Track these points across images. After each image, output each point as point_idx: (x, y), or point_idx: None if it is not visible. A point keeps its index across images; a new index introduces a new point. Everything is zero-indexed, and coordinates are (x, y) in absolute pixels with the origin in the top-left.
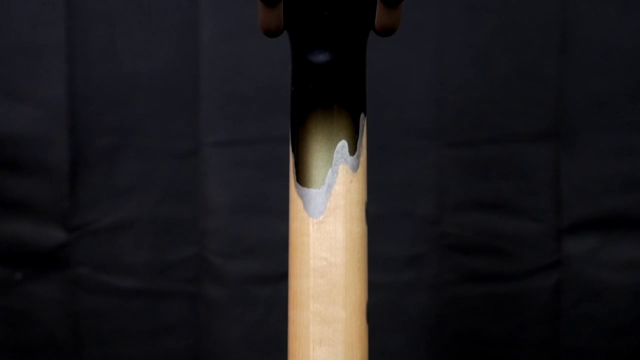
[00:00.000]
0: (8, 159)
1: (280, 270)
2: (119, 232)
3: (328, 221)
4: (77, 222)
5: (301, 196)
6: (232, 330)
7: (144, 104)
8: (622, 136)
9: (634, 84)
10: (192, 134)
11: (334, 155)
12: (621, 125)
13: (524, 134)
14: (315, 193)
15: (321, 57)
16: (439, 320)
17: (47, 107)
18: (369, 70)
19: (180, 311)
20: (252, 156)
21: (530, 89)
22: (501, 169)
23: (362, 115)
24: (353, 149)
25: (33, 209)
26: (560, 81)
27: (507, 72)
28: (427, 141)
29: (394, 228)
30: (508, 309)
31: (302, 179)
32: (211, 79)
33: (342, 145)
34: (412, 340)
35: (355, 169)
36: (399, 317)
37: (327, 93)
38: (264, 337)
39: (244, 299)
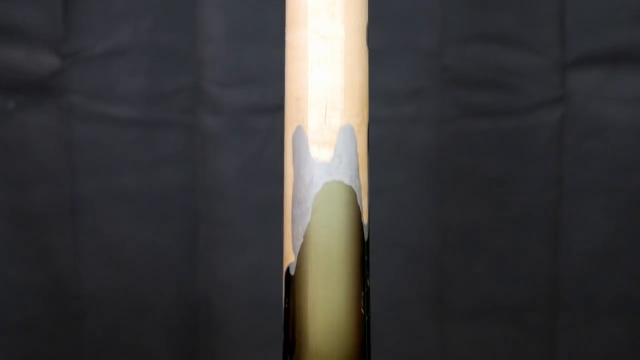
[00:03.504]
0: None
1: (278, 100)
2: (113, 58)
3: None
4: (70, 48)
5: None
6: (229, 162)
7: None
8: None
9: None
10: None
11: None
12: None
13: None
14: None
15: None
16: (440, 156)
17: None
18: None
19: (176, 142)
20: None
21: None
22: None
23: None
24: None
25: (25, 34)
26: None
27: None
28: None
29: (394, 61)
30: (511, 145)
31: None
32: None
33: None
34: (412, 175)
35: None
36: (399, 152)
37: None
38: (262, 169)
39: (241, 129)
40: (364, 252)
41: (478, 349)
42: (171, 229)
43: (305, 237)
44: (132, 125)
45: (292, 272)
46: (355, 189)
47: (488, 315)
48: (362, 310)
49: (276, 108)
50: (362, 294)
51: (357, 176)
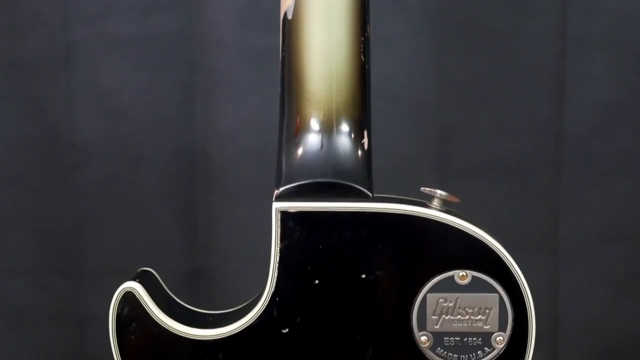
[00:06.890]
0: None
1: None
2: None
3: None
4: None
5: None
6: (226, 9)
7: None
8: None
9: None
10: None
11: None
12: None
13: None
14: None
15: None
16: (442, 7)
17: None
18: None
19: None
20: None
21: None
22: None
23: None
24: None
25: None
26: None
27: None
28: None
29: None
30: None
31: None
32: None
33: None
34: (414, 28)
35: None
36: (399, 3)
37: None
38: (260, 16)
39: None
40: None
41: (479, 207)
42: (168, 77)
43: None
44: None
45: (289, 16)
46: None
47: (490, 173)
48: (363, 57)
49: None
50: (362, 39)
51: None
